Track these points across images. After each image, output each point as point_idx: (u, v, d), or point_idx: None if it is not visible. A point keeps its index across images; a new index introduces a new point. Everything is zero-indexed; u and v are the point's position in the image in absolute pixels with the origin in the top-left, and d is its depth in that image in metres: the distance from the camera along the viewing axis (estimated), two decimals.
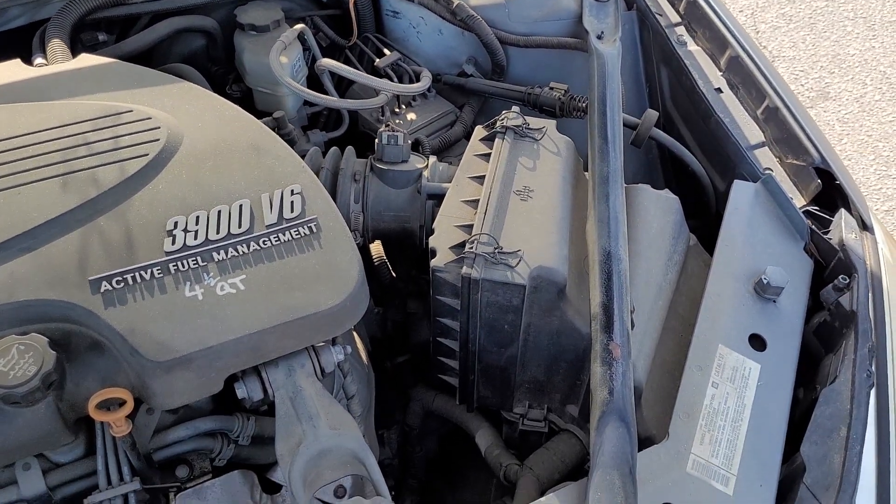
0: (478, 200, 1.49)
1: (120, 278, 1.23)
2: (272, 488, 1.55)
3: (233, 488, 1.47)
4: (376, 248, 1.86)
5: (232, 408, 1.46)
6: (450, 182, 1.58)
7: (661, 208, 1.61)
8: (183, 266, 1.26)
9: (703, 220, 1.90)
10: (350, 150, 1.74)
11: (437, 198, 1.61)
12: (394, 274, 1.89)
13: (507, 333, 1.46)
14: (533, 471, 1.57)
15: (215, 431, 1.41)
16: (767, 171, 1.72)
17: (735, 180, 1.67)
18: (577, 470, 1.60)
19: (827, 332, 1.52)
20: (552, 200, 1.50)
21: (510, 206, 1.47)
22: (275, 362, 1.31)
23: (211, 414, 1.42)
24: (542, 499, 1.23)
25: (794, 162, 1.74)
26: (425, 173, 1.66)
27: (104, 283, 1.22)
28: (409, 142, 1.70)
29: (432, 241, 1.45)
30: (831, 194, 1.69)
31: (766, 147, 1.80)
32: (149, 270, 1.25)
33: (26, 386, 1.10)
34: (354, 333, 1.70)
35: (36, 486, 1.27)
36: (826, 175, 1.70)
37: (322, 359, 1.34)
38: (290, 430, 1.26)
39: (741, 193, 1.65)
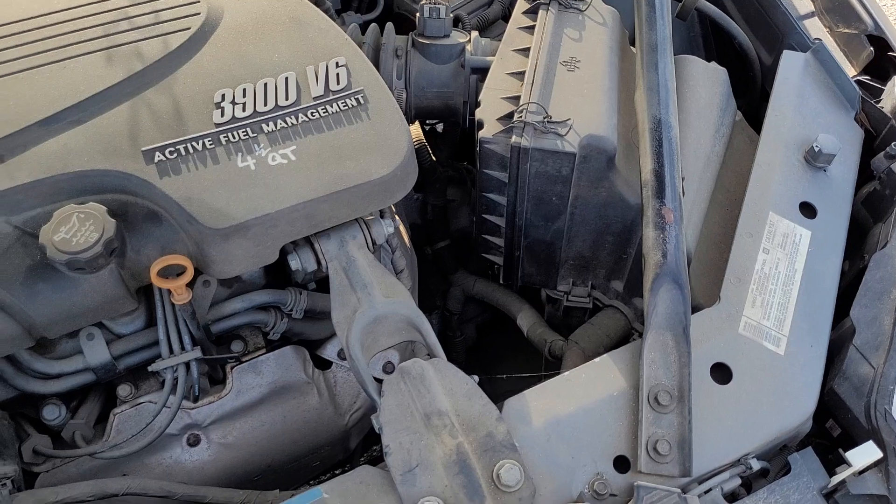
0: (523, 72, 1.46)
1: (172, 149, 1.23)
2: (323, 365, 1.59)
3: (286, 362, 1.51)
4: (416, 131, 1.85)
5: (284, 283, 1.48)
6: (493, 56, 1.55)
7: (709, 79, 1.57)
8: (234, 137, 1.26)
9: (748, 98, 1.86)
10: (390, 25, 1.71)
11: (482, 72, 1.58)
12: (434, 158, 1.88)
13: (555, 206, 1.46)
14: (578, 344, 1.59)
15: (269, 305, 1.44)
16: (817, 41, 1.67)
17: (784, 51, 1.63)
18: (622, 344, 1.62)
19: (877, 200, 1.50)
20: (599, 70, 1.47)
21: (557, 77, 1.45)
22: (327, 233, 1.33)
23: (264, 288, 1.44)
24: (597, 359, 1.25)
25: (846, 31, 1.69)
26: (468, 47, 1.63)
27: (157, 153, 1.23)
28: (451, 16, 1.66)
29: (479, 114, 1.43)
30: (883, 64, 1.65)
31: (816, 17, 1.74)
32: (200, 141, 1.25)
33: (90, 252, 1.12)
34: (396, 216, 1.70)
35: (100, 355, 1.31)
36: (878, 43, 1.65)
37: (373, 231, 1.35)
38: (345, 299, 1.28)
39: (791, 64, 1.61)
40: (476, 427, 1.13)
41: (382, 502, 1.09)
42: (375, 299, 1.26)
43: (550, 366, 1.73)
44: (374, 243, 1.35)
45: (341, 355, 1.60)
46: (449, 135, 1.97)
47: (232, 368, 1.48)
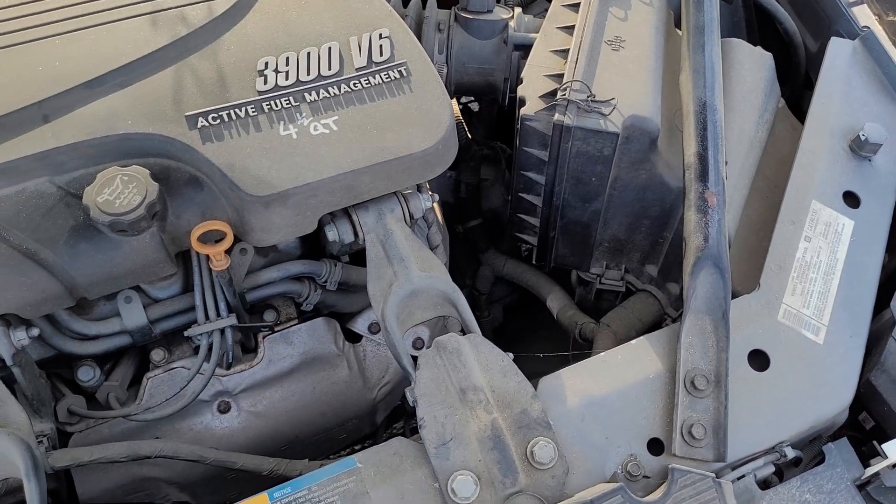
0: (567, 50, 1.44)
1: (216, 115, 1.23)
2: (353, 338, 1.59)
3: (317, 333, 1.52)
4: (452, 108, 1.84)
5: (318, 254, 1.48)
6: (536, 33, 1.54)
7: (755, 63, 1.55)
8: (276, 105, 1.26)
9: (791, 85, 1.83)
10: None
11: (524, 48, 1.57)
12: (469, 135, 1.87)
13: (594, 187, 1.45)
14: (610, 328, 1.59)
15: (303, 275, 1.44)
16: (866, 29, 1.63)
17: (832, 38, 1.60)
18: (654, 329, 1.61)
19: None
20: (645, 50, 1.45)
21: (601, 56, 1.43)
22: (365, 205, 1.32)
23: (299, 258, 1.44)
24: (633, 341, 1.24)
25: (895, 19, 1.66)
26: (511, 24, 1.61)
27: (200, 118, 1.23)
28: None
29: (521, 91, 1.42)
30: None
31: (865, 4, 1.71)
32: (243, 108, 1.25)
33: (132, 214, 1.12)
34: None
35: (137, 318, 1.32)
36: None
37: (411, 204, 1.35)
38: (381, 271, 1.28)
39: (838, 51, 1.58)
40: (511, 404, 1.13)
41: (416, 474, 1.10)
42: (412, 273, 1.26)
43: (578, 348, 1.73)
44: (411, 217, 1.35)
45: (371, 329, 1.60)
46: (485, 113, 1.95)
47: (264, 338, 1.49)
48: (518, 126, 1.42)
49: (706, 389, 1.17)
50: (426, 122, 1.29)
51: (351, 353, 1.56)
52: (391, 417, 1.81)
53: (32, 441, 1.12)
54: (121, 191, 1.14)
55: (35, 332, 1.21)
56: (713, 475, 1.09)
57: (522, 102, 1.40)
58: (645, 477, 1.12)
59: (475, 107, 2.09)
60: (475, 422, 1.11)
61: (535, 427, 1.11)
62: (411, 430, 1.86)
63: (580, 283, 1.77)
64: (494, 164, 1.99)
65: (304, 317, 1.55)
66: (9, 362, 1.18)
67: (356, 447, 2.01)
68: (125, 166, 1.17)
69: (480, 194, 1.96)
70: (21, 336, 1.18)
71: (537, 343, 2.17)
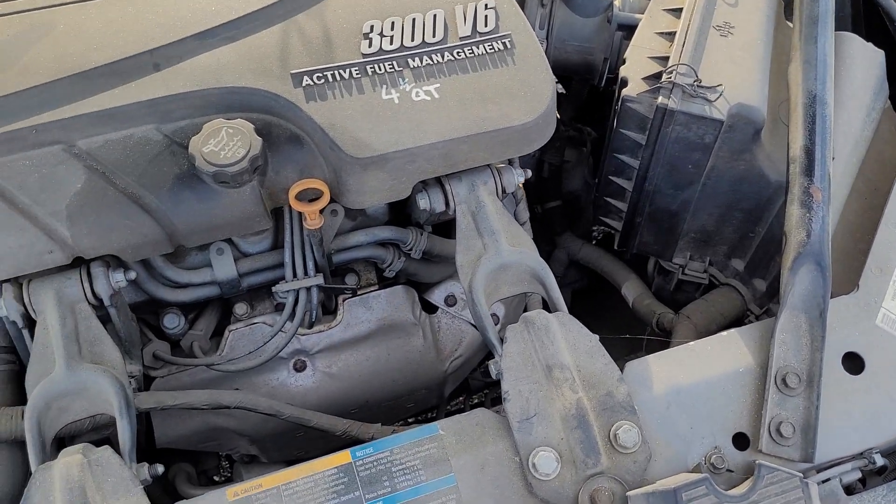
0: (674, 33, 1.41)
1: (320, 74, 1.24)
2: (429, 309, 1.60)
3: (396, 301, 1.52)
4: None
5: (404, 222, 1.48)
6: (642, 13, 1.51)
7: (865, 60, 1.50)
8: (380, 69, 1.26)
9: None
10: None
11: (628, 29, 1.54)
12: (557, 115, 1.85)
13: (689, 174, 1.42)
14: (690, 319, 1.56)
15: (389, 242, 1.44)
16: None
17: None
18: (736, 325, 1.58)
19: None
20: (754, 38, 1.41)
21: (709, 41, 1.40)
22: (458, 176, 1.32)
23: (386, 225, 1.45)
24: (724, 333, 1.22)
25: None
26: (616, 2, 1.58)
27: (305, 77, 1.23)
28: None
29: (623, 71, 1.39)
30: None
31: None
32: (347, 70, 1.25)
33: (236, 166, 1.14)
34: None
35: (228, 270, 1.34)
36: None
37: (504, 178, 1.34)
38: (470, 243, 1.28)
39: None
40: (596, 385, 1.12)
41: (497, 446, 1.09)
42: (502, 247, 1.25)
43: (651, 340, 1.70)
44: (503, 191, 1.34)
45: (448, 302, 1.60)
46: (575, 94, 1.93)
47: (344, 301, 1.50)
48: (617, 107, 1.40)
49: (797, 388, 1.14)
50: (528, 95, 1.27)
51: (427, 323, 1.56)
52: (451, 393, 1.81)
53: (125, 380, 1.14)
54: (226, 142, 1.16)
55: (132, 275, 1.24)
56: (800, 475, 1.07)
57: (624, 83, 1.38)
58: (728, 471, 1.10)
59: (559, 88, 2.07)
60: (560, 399, 1.10)
61: (620, 410, 1.10)
62: (471, 408, 1.87)
63: (659, 273, 1.74)
64: (578, 147, 1.96)
65: (383, 283, 1.56)
66: (106, 302, 1.21)
67: (419, 418, 2.04)
68: (229, 119, 1.19)
69: (562, 176, 1.95)
70: (119, 278, 1.21)
71: (601, 331, 2.15)
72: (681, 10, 1.45)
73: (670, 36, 1.41)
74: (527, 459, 1.06)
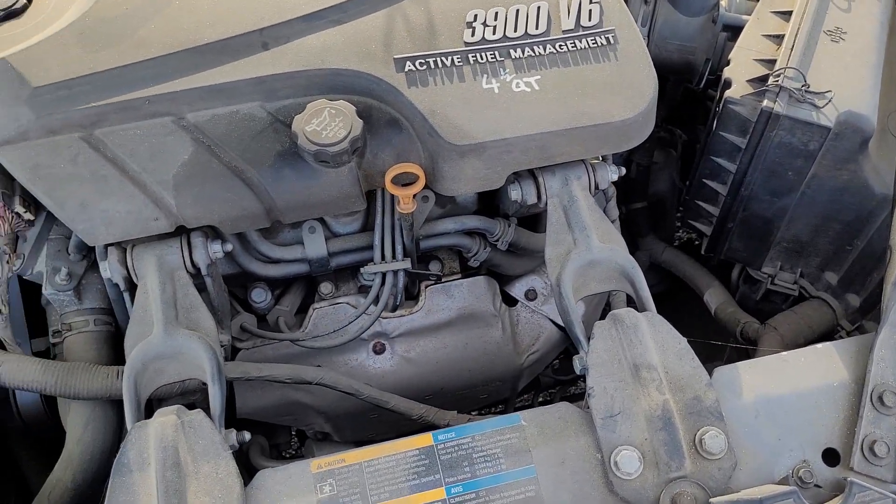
0: (782, 36, 1.38)
1: (423, 61, 1.25)
2: (509, 302, 1.60)
3: (478, 291, 1.53)
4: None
5: (491, 213, 1.49)
6: (748, 15, 1.48)
7: None
8: (481, 58, 1.26)
9: None
10: None
11: (733, 30, 1.51)
12: None
13: (788, 181, 1.38)
14: (777, 330, 1.52)
15: (476, 231, 1.45)
16: None
17: None
18: (825, 339, 1.53)
19: None
20: (867, 45, 1.37)
21: (819, 46, 1.36)
22: (551, 169, 1.32)
23: (474, 214, 1.46)
24: (819, 345, 1.18)
25: None
26: (722, 2, 1.55)
27: (408, 62, 1.24)
28: None
29: (727, 72, 1.37)
30: None
31: None
32: (449, 57, 1.26)
33: (337, 147, 1.16)
34: None
35: (318, 248, 1.37)
36: None
37: (598, 174, 1.33)
38: (560, 237, 1.27)
39: None
40: (684, 388, 1.10)
41: (579, 441, 1.09)
42: (593, 243, 1.25)
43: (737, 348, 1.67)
44: (596, 187, 1.33)
45: (528, 296, 1.60)
46: (670, 94, 1.90)
47: (426, 287, 1.52)
48: (718, 108, 1.37)
49: (894, 407, 1.10)
50: (629, 92, 1.26)
51: (506, 315, 1.57)
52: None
53: (217, 348, 1.18)
54: (328, 123, 1.18)
55: (228, 247, 1.27)
56: (894, 496, 1.03)
57: (728, 85, 1.35)
58: (816, 486, 1.07)
59: None
60: (646, 400, 1.09)
61: (707, 415, 1.08)
62: (539, 405, 1.86)
63: (745, 281, 1.70)
64: (667, 149, 1.94)
65: (465, 272, 1.57)
66: (203, 272, 1.25)
67: (489, 410, 2.04)
68: (332, 100, 1.21)
69: (649, 177, 1.92)
70: (217, 249, 1.25)
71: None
72: (790, 12, 1.41)
73: (778, 39, 1.38)
74: (609, 457, 1.06)
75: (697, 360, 1.13)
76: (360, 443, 1.65)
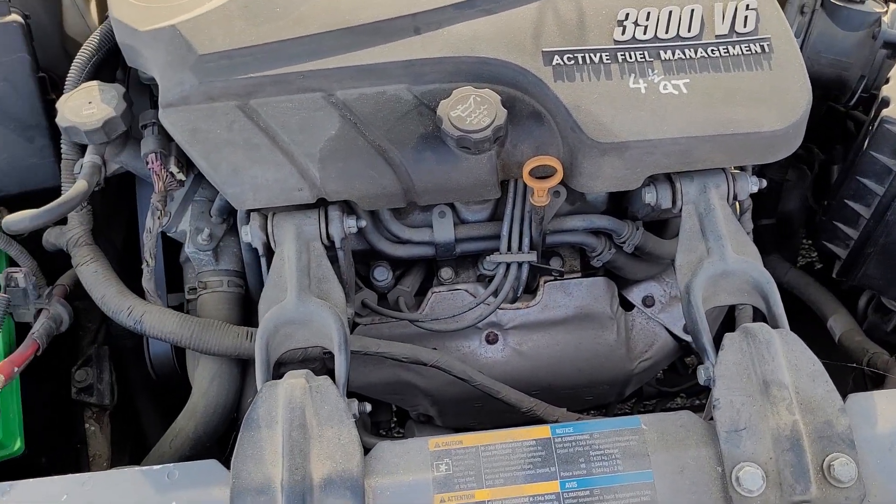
0: None
1: (571, 55, 1.25)
2: (625, 306, 1.58)
3: (596, 292, 1.52)
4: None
5: (619, 214, 1.47)
6: None
7: None
8: (630, 57, 1.25)
9: None
10: None
11: (894, 47, 1.44)
12: None
13: None
14: None
15: (603, 231, 1.44)
16: None
17: None
18: None
19: None
20: None
21: None
22: (690, 175, 1.29)
23: (603, 213, 1.45)
24: None
25: None
26: (884, 19, 1.49)
27: (556, 56, 1.25)
28: None
29: (886, 91, 1.32)
30: None
31: None
32: (598, 54, 1.25)
33: (480, 134, 1.17)
34: None
35: (446, 233, 1.39)
36: None
37: (738, 184, 1.30)
38: (694, 244, 1.25)
39: None
40: (815, 410, 1.07)
41: (699, 452, 1.07)
42: (727, 253, 1.22)
43: (860, 377, 1.60)
44: (734, 197, 1.30)
45: (646, 302, 1.59)
46: (814, 110, 1.83)
47: (545, 282, 1.52)
48: (871, 128, 1.32)
49: None
50: (781, 102, 1.23)
51: (622, 319, 1.55)
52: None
53: (345, 319, 1.21)
54: (473, 110, 1.19)
55: (362, 223, 1.31)
56: None
57: (885, 103, 1.30)
58: None
59: None
60: (774, 418, 1.06)
61: (838, 442, 1.04)
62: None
63: (876, 310, 1.63)
64: (801, 166, 1.87)
65: (585, 271, 1.56)
66: (337, 245, 1.29)
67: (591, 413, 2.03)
68: (477, 88, 1.22)
69: (780, 194, 1.86)
70: (351, 224, 1.28)
71: None
72: None
73: None
74: (730, 472, 1.03)
75: (832, 383, 1.09)
76: (459, 429, 1.67)
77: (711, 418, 1.09)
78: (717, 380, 1.10)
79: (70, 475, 1.08)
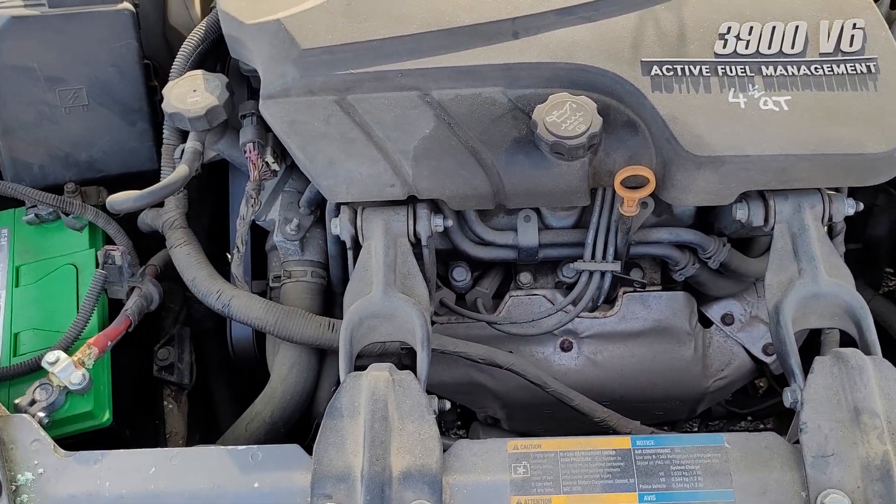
0: None
1: (669, 67, 1.24)
2: (704, 323, 1.56)
3: (676, 306, 1.51)
4: None
5: (705, 229, 1.45)
6: None
7: None
8: (730, 71, 1.24)
9: None
10: None
11: None
12: None
13: None
14: None
15: (688, 245, 1.42)
16: None
17: None
18: None
19: None
20: None
21: None
22: (784, 194, 1.27)
23: (689, 227, 1.43)
24: None
25: None
26: None
27: (655, 67, 1.24)
28: None
29: None
30: None
31: None
32: (697, 67, 1.24)
33: (574, 140, 1.17)
34: None
35: (530, 238, 1.39)
36: None
37: (833, 206, 1.28)
38: (784, 264, 1.23)
39: None
40: None
41: (784, 475, 1.05)
42: (820, 275, 1.19)
43: None
44: (829, 219, 1.27)
45: (725, 320, 1.57)
46: None
47: (624, 293, 1.51)
48: None
49: None
50: (885, 125, 1.20)
51: (700, 336, 1.53)
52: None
53: (428, 316, 1.22)
54: (568, 116, 1.19)
55: (449, 223, 1.32)
56: None
57: None
58: None
59: None
60: (864, 446, 1.03)
61: None
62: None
63: None
64: (891, 191, 1.82)
65: (665, 285, 1.55)
66: (423, 242, 1.30)
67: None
68: (573, 94, 1.23)
69: (868, 219, 1.81)
70: (438, 223, 1.30)
71: None
72: None
73: None
74: (815, 497, 1.01)
75: None
76: (524, 434, 1.67)
77: (797, 441, 1.07)
78: (806, 403, 1.08)
79: (158, 449, 1.12)
